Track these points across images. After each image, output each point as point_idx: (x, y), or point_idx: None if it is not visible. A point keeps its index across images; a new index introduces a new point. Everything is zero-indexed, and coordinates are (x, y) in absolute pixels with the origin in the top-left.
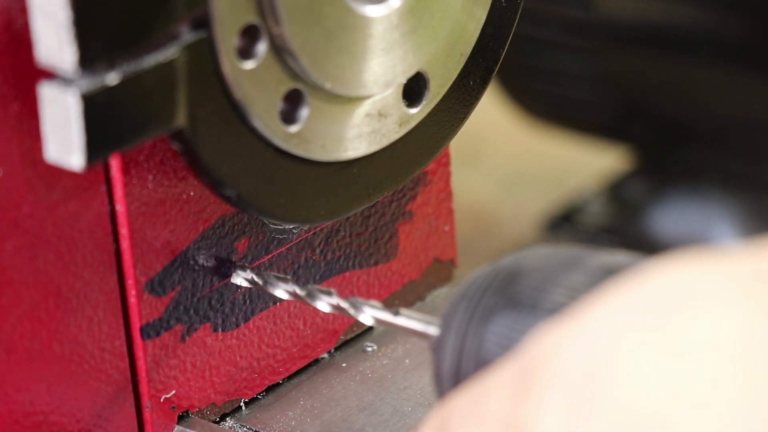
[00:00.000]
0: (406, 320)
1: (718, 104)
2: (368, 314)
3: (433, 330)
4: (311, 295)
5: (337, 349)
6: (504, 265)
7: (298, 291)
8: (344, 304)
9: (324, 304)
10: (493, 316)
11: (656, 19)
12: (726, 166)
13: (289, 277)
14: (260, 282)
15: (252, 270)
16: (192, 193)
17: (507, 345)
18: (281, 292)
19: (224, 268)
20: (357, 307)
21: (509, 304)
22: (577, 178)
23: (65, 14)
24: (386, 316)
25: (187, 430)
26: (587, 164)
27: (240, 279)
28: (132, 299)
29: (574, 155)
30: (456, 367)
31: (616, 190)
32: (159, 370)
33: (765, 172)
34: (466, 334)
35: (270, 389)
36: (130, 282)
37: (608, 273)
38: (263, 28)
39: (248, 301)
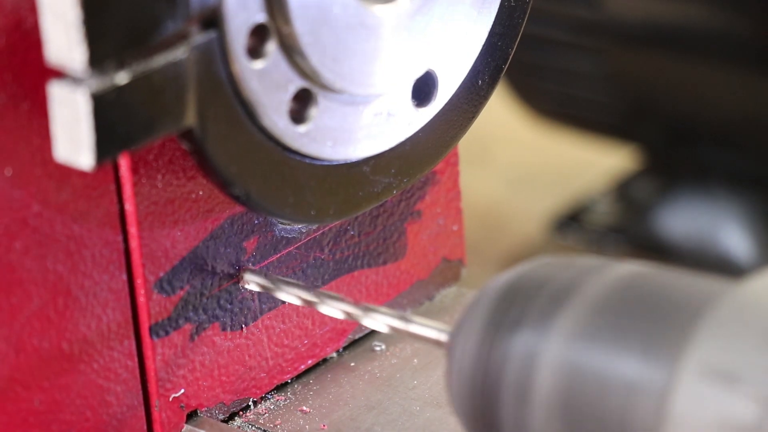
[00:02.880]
0: (418, 327)
1: (726, 104)
2: (381, 321)
3: (445, 338)
4: (321, 301)
5: (345, 348)
6: (518, 276)
7: (310, 297)
8: (354, 310)
9: (335, 311)
10: (507, 332)
11: (664, 18)
12: (734, 166)
13: (300, 282)
14: (271, 286)
15: (266, 277)
16: (201, 193)
17: (524, 362)
18: (293, 297)
19: (233, 267)
20: (367, 313)
21: (523, 319)
22: (584, 177)
23: (75, 14)
24: (398, 323)
25: (196, 429)
26: (595, 164)
27: (254, 285)
28: (141, 298)
29: (581, 155)
30: (471, 381)
31: (624, 190)
32: (168, 369)
33: None
34: (480, 349)
35: (278, 388)
36: (139, 281)
37: (623, 283)
38: (272, 27)
39: (257, 301)
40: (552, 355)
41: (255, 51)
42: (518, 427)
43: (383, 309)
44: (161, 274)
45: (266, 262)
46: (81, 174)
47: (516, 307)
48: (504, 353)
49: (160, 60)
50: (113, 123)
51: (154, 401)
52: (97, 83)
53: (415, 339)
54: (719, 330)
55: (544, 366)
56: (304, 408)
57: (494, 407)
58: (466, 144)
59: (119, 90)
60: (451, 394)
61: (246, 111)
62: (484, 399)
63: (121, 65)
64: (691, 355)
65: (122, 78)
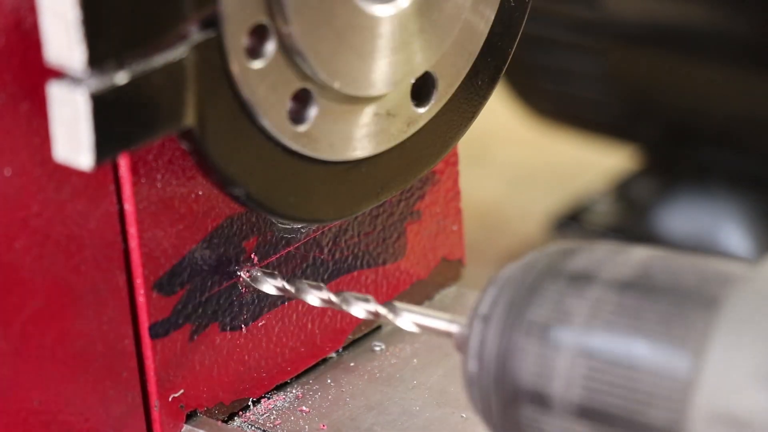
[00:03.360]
0: (429, 320)
1: (726, 103)
2: (406, 319)
3: (456, 329)
4: (346, 301)
5: (345, 348)
6: (534, 261)
7: (333, 298)
8: (382, 310)
9: (360, 310)
10: (527, 318)
11: (663, 18)
12: (734, 165)
13: (322, 285)
14: (292, 290)
15: (283, 278)
16: (200, 193)
17: (544, 350)
18: (313, 298)
19: (232, 267)
20: (395, 312)
21: (542, 306)
22: (584, 177)
23: (75, 14)
24: (414, 317)
25: (196, 429)
26: (595, 163)
27: (270, 288)
28: (140, 298)
29: (581, 154)
30: (492, 370)
31: (624, 190)
32: (167, 369)
33: None
34: (501, 336)
35: (278, 388)
36: (138, 281)
37: (641, 269)
38: (272, 27)
39: (256, 301)
40: (572, 342)
41: (254, 51)
42: (538, 426)
43: (398, 303)
44: (161, 274)
45: (266, 262)
46: (80, 174)
47: (531, 297)
48: (524, 340)
49: (160, 60)
50: (113, 123)
51: (154, 401)
52: (97, 83)
53: (426, 332)
54: (727, 354)
55: (563, 354)
56: (304, 408)
57: (515, 404)
58: (465, 144)
59: (119, 90)
60: (468, 389)
61: (245, 111)
62: (506, 387)
63: (120, 65)
64: (700, 398)
65: (122, 78)
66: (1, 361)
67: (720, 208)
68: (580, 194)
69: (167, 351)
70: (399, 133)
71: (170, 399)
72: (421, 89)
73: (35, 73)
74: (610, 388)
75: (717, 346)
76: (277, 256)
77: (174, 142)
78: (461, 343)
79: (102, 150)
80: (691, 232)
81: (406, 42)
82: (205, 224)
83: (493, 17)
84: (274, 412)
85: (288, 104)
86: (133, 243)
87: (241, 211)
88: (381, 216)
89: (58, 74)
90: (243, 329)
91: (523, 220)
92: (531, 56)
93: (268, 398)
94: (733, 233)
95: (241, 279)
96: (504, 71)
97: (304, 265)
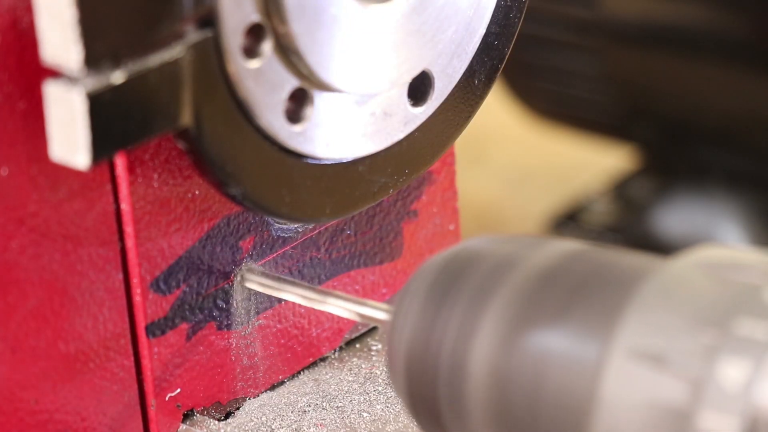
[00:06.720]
0: (366, 309)
1: (724, 103)
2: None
3: (383, 316)
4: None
5: (342, 347)
6: (457, 252)
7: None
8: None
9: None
10: (445, 309)
11: (661, 18)
12: (731, 165)
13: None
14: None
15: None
16: (197, 192)
17: (460, 340)
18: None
19: (229, 266)
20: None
21: (460, 296)
22: (582, 177)
23: (71, 13)
24: (346, 304)
25: (192, 428)
26: (592, 163)
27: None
28: (137, 298)
29: (579, 154)
30: (410, 360)
31: (622, 189)
32: (164, 368)
33: None
34: (418, 327)
35: (275, 388)
36: (135, 280)
37: (558, 260)
38: (268, 27)
39: (253, 300)
40: (487, 333)
41: (250, 50)
42: (456, 407)
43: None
44: (157, 274)
45: (263, 262)
46: (77, 173)
47: (454, 284)
48: (441, 331)
49: (156, 59)
50: (109, 122)
51: (150, 401)
52: (93, 83)
53: (364, 320)
54: (647, 311)
55: (479, 345)
56: (302, 408)
57: (432, 387)
58: (462, 143)
59: (115, 89)
60: (391, 374)
61: (242, 110)
62: (423, 379)
63: (117, 64)
64: (620, 338)
65: (118, 77)
66: None
67: (718, 208)
68: (577, 194)
69: (164, 350)
70: (395, 132)
71: (167, 398)
72: (418, 88)
73: (32, 73)
74: (522, 376)
75: (624, 335)
76: (274, 255)
77: (170, 141)
78: (386, 331)
79: (98, 149)
80: (688, 232)
81: (402, 41)
82: (202, 224)
83: (489, 16)
84: (270, 412)
85: (284, 104)
86: (130, 242)
87: (238, 210)
88: (378, 216)
89: (54, 74)
90: (240, 328)
91: (520, 220)
92: (528, 55)
93: (265, 398)
94: (730, 233)
95: (238, 278)
96: (501, 70)
97: (301, 264)
